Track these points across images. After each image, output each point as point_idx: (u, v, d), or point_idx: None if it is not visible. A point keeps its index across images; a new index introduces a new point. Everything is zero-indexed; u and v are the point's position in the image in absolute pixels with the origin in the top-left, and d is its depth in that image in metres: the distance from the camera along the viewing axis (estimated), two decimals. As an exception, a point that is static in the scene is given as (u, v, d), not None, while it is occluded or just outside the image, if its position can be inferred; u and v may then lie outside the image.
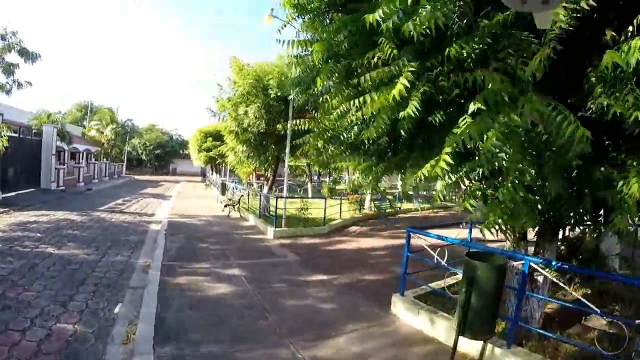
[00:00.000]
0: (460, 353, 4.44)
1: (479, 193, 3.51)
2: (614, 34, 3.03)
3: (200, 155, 35.01)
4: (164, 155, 63.46)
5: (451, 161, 3.01)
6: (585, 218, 4.73)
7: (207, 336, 4.85)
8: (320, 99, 4.74)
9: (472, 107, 3.00)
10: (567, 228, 6.42)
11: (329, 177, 40.92)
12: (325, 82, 4.18)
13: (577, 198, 3.90)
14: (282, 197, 13.05)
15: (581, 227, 5.44)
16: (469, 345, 4.67)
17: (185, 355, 4.37)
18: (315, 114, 15.06)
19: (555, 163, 3.24)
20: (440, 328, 5.31)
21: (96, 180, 33.60)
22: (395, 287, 7.00)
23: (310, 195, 26.80)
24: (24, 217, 12.54)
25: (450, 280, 7.37)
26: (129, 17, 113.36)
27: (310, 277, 7.71)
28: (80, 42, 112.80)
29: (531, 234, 5.63)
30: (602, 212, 4.24)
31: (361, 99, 3.54)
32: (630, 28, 2.90)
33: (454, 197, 4.45)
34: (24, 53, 14.80)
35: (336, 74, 4.15)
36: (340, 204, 15.72)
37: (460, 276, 7.52)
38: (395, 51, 3.36)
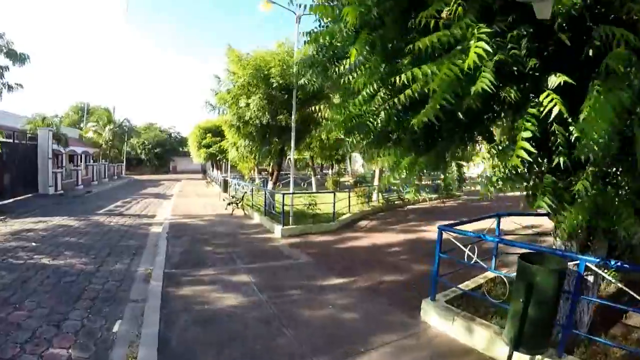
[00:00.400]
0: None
1: (553, 189, 2.83)
2: None
3: (200, 152, 34.32)
4: (164, 153, 62.74)
5: (532, 149, 2.35)
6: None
7: (219, 360, 4.25)
8: (343, 79, 4.03)
9: (553, 81, 2.32)
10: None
11: (331, 169, 40.34)
12: (356, 57, 3.46)
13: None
14: (288, 193, 12.36)
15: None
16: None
17: (194, 387, 3.77)
18: (326, 102, 14.41)
19: None
20: (479, 337, 4.73)
21: (95, 182, 32.97)
22: (419, 289, 6.50)
23: (314, 189, 26.20)
24: (20, 225, 11.93)
25: (480, 280, 6.80)
26: (121, 18, 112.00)
27: (327, 281, 7.07)
28: (73, 43, 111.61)
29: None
30: None
31: (408, 73, 2.82)
32: None
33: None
34: (12, 55, 14.19)
35: (370, 45, 3.41)
36: (349, 197, 15.07)
37: (490, 274, 7.03)
38: (460, 9, 2.66)
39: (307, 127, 13.63)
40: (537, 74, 2.74)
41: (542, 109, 2.32)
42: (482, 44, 2.41)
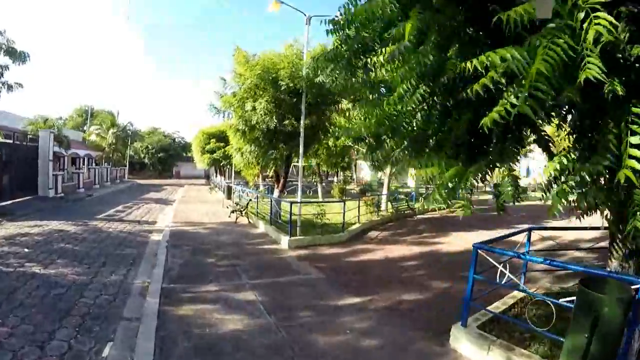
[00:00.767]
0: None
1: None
2: None
3: (203, 157, 33.93)
4: (167, 158, 62.48)
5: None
6: None
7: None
8: (375, 73, 3.43)
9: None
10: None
11: (336, 177, 39.73)
12: (409, 35, 2.85)
13: None
14: (296, 202, 11.74)
15: None
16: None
17: None
18: (336, 108, 13.79)
19: None
20: (519, 369, 4.10)
21: (97, 186, 32.50)
22: (444, 310, 5.97)
23: (320, 197, 25.62)
24: (15, 229, 11.38)
25: (508, 300, 6.18)
26: (128, 20, 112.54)
27: (341, 301, 6.42)
28: (79, 46, 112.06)
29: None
30: None
31: (482, 58, 2.23)
32: None
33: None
34: (12, 53, 13.79)
35: (418, 30, 2.80)
36: (359, 207, 14.43)
37: (517, 293, 6.40)
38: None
39: (315, 134, 13.07)
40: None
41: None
42: (606, 15, 1.83)
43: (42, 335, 4.75)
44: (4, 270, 7.19)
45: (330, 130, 14.16)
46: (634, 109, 2.07)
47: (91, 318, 5.40)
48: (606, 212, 3.63)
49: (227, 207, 17.95)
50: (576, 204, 2.91)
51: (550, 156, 3.49)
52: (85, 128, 46.88)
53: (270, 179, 33.76)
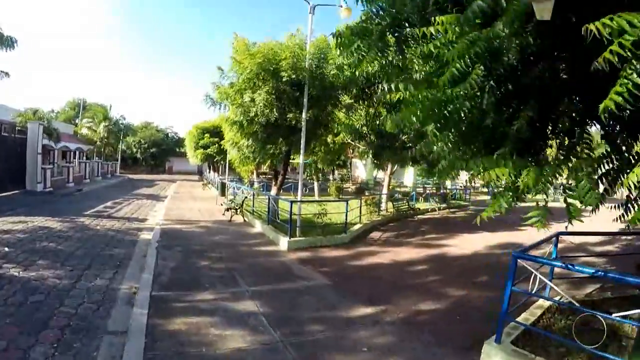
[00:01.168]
0: None
1: None
2: None
3: (196, 153, 33.10)
4: (160, 153, 61.45)
5: None
6: None
7: None
8: (420, 49, 2.79)
9: None
10: None
11: (332, 175, 39.11)
12: None
13: None
14: (296, 200, 11.07)
15: None
16: None
17: None
18: (336, 103, 13.09)
19: None
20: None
21: (88, 180, 31.57)
22: (465, 321, 5.55)
23: (317, 195, 25.00)
24: (-3, 225, 10.63)
25: (535, 310, 5.65)
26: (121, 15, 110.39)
27: (353, 311, 5.79)
28: (73, 40, 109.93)
29: None
30: None
31: (606, 20, 1.62)
32: None
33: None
34: (-4, 38, 12.95)
35: None
36: (360, 206, 13.80)
37: (544, 302, 5.86)
38: None
39: (316, 129, 12.40)
40: None
41: None
42: None
43: (14, 354, 4.11)
44: (-21, 273, 6.53)
45: (331, 126, 13.55)
46: None
47: (72, 331, 4.76)
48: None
49: (221, 205, 17.25)
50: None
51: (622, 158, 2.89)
52: (77, 121, 45.78)
53: (264, 176, 33.18)
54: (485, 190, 35.72)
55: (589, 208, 2.92)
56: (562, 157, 2.66)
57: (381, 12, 3.21)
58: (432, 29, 2.57)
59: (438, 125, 2.89)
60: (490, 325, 5.17)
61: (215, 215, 15.60)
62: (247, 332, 4.85)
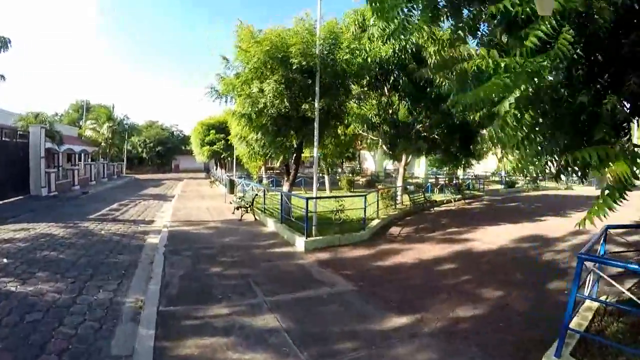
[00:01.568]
0: None
1: None
2: None
3: (203, 150, 32.56)
4: (165, 152, 61.03)
5: None
6: None
7: None
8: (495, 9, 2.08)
9: None
10: None
11: (341, 168, 38.39)
12: None
13: None
14: (312, 197, 10.36)
15: None
16: None
17: None
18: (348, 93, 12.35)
19: None
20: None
21: (93, 182, 31.16)
22: (511, 328, 4.99)
23: (327, 189, 24.37)
24: (-1, 234, 10.12)
25: (587, 314, 5.02)
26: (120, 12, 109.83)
27: (386, 323, 5.11)
28: (76, 41, 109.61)
29: None
30: None
31: None
32: None
33: None
34: (-11, 38, 12.38)
35: None
36: (377, 200, 13.10)
37: (592, 304, 5.22)
38: None
39: (328, 119, 11.70)
40: None
41: None
42: None
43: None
44: (-26, 290, 5.98)
45: (342, 116, 12.85)
46: None
47: (71, 356, 4.18)
48: None
49: (231, 203, 16.61)
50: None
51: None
52: (81, 123, 45.38)
53: (272, 172, 32.54)
54: (497, 179, 34.95)
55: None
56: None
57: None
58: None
59: (520, 105, 2.17)
60: (536, 331, 4.74)
61: (224, 214, 14.98)
62: (269, 355, 4.19)
